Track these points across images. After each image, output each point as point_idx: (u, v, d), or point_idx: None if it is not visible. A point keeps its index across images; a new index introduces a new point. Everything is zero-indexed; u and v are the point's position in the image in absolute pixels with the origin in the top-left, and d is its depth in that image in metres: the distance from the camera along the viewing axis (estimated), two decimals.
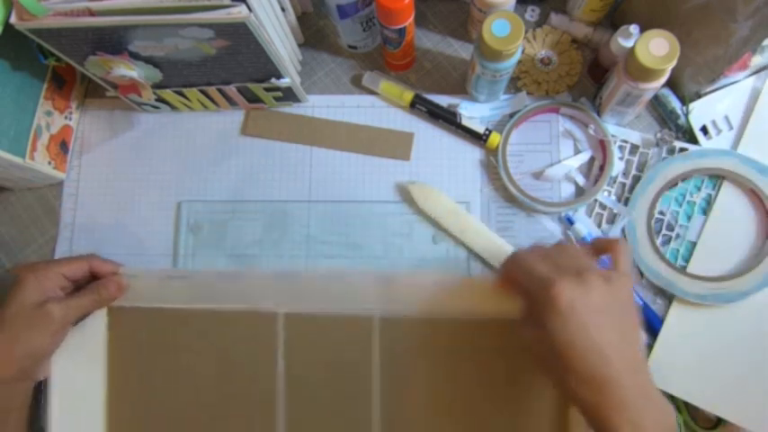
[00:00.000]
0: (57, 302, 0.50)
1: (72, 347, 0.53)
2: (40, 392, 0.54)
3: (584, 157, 0.59)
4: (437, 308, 0.53)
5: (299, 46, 0.63)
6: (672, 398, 0.54)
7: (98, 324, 0.56)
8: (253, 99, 0.60)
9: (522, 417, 0.53)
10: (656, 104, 0.59)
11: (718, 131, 0.58)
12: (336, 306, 0.54)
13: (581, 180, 0.59)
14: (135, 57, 0.51)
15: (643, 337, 0.44)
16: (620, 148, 0.59)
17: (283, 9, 0.55)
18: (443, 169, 0.60)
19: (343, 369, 0.54)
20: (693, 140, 0.58)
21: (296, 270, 0.57)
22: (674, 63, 0.48)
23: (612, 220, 0.58)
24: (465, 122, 0.59)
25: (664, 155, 0.58)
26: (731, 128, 0.58)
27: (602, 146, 0.58)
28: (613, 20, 0.61)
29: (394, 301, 0.54)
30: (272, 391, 0.54)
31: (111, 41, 0.48)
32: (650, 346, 0.55)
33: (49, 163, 0.59)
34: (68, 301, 0.51)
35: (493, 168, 0.60)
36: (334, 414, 0.54)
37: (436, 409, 0.53)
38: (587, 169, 0.59)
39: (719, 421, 0.54)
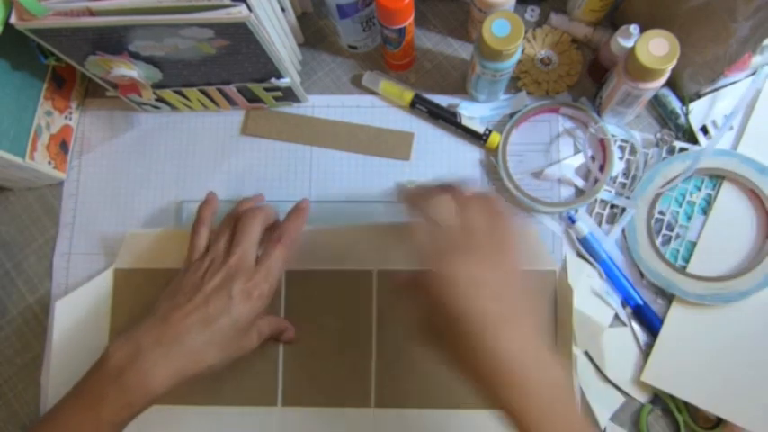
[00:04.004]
0: (263, 321, 0.50)
1: (77, 307, 0.56)
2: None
3: (584, 156, 0.59)
4: None
5: (299, 46, 0.63)
6: (672, 398, 0.54)
7: (103, 284, 0.57)
8: (253, 99, 0.60)
9: None
10: (656, 104, 0.59)
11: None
12: (337, 263, 0.57)
13: (580, 183, 0.59)
14: (135, 57, 0.51)
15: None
16: (621, 148, 0.59)
17: (283, 9, 0.55)
18: (443, 169, 0.60)
19: (343, 321, 0.56)
20: (693, 140, 0.58)
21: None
22: (673, 63, 0.48)
23: (613, 219, 0.58)
24: (465, 122, 0.59)
25: (664, 155, 0.58)
26: (731, 128, 0.58)
27: (602, 146, 0.58)
28: (613, 20, 0.61)
29: (390, 254, 0.56)
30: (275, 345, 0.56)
31: (111, 41, 0.48)
32: (650, 346, 0.55)
33: (49, 163, 0.59)
34: (269, 318, 0.51)
35: (493, 168, 0.60)
36: (333, 364, 0.56)
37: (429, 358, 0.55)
38: (587, 169, 0.59)
39: (719, 421, 0.54)
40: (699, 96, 0.58)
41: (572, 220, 0.58)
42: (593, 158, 0.59)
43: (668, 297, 0.56)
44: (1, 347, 0.59)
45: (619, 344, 0.55)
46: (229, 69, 0.53)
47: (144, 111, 0.63)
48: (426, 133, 0.61)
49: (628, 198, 0.57)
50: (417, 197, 0.45)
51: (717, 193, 0.57)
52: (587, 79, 0.61)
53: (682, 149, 0.58)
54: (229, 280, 0.47)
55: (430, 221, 0.43)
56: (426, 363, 0.55)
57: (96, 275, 0.58)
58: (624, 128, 0.59)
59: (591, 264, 0.57)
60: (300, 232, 0.52)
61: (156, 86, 0.56)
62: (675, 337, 0.55)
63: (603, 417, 0.54)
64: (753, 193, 0.57)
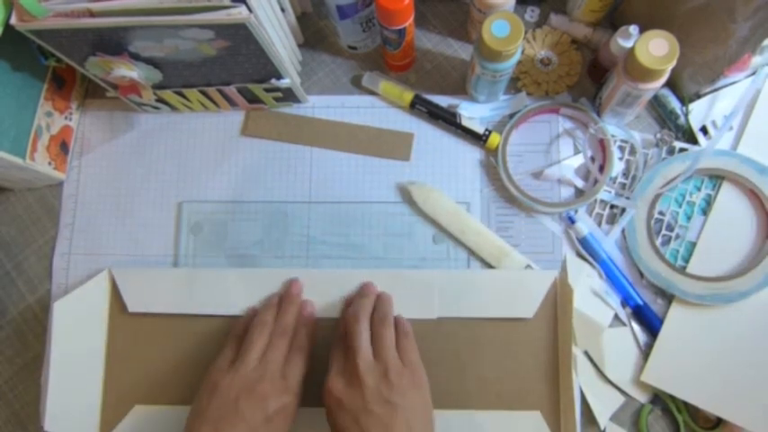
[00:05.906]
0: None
1: (76, 307, 0.57)
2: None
3: (584, 157, 0.59)
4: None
5: (299, 46, 0.63)
6: (672, 398, 0.54)
7: (102, 284, 0.58)
8: (253, 99, 0.60)
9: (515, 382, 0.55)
10: (656, 105, 0.59)
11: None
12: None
13: (579, 183, 0.59)
14: (135, 57, 0.51)
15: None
16: (620, 148, 0.59)
17: (283, 9, 0.55)
18: (443, 169, 0.60)
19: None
20: (693, 141, 0.58)
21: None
22: (673, 63, 0.48)
23: (612, 219, 0.58)
24: (465, 123, 0.59)
25: (663, 155, 0.58)
26: (731, 128, 0.58)
27: (602, 146, 0.58)
28: (613, 20, 0.61)
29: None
30: None
31: (112, 42, 0.48)
32: (650, 346, 0.55)
33: (50, 163, 0.59)
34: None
35: (493, 169, 0.60)
36: None
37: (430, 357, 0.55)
38: (587, 170, 0.59)
39: (719, 421, 0.54)
40: (698, 96, 0.58)
41: (572, 221, 0.58)
42: (592, 159, 0.59)
43: (668, 297, 0.56)
44: (1, 347, 0.59)
45: (619, 344, 0.56)
46: (229, 70, 0.53)
47: (144, 111, 0.63)
48: (426, 134, 0.61)
49: (627, 198, 0.57)
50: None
51: (716, 194, 0.57)
52: (587, 80, 0.61)
53: (681, 150, 0.58)
54: (264, 401, 0.46)
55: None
56: (428, 362, 0.55)
57: (95, 275, 0.58)
58: (624, 128, 0.59)
59: (591, 264, 0.57)
60: (299, 317, 0.54)
61: (157, 87, 0.56)
62: (675, 337, 0.55)
63: (603, 417, 0.54)
64: (752, 194, 0.57)
